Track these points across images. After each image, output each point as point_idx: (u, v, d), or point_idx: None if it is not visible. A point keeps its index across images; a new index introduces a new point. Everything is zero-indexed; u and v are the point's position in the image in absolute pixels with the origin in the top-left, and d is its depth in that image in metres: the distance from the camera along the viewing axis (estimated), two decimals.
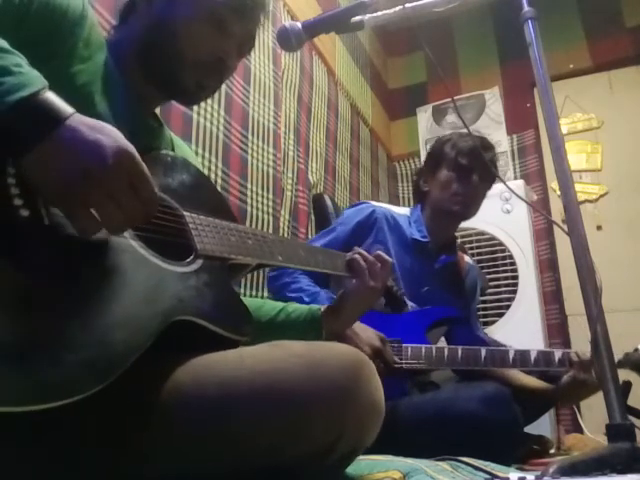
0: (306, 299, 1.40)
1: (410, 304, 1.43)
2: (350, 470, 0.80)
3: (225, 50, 0.85)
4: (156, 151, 0.85)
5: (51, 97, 0.54)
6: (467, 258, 1.83)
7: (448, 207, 1.62)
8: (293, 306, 1.08)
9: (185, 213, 0.77)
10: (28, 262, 0.53)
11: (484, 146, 1.65)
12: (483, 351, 1.43)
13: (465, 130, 1.69)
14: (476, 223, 2.71)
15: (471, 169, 1.60)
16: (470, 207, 1.65)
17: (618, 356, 1.34)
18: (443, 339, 1.70)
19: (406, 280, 1.55)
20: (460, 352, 1.42)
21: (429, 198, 1.68)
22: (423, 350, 1.39)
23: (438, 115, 3.37)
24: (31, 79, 0.53)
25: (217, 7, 0.83)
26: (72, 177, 0.53)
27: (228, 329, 0.72)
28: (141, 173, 0.58)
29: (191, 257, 0.75)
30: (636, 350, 1.42)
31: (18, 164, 0.54)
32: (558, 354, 1.44)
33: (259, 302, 1.09)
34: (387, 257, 1.08)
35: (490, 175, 1.61)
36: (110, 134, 0.56)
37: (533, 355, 1.43)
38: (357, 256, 1.07)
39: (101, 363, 0.54)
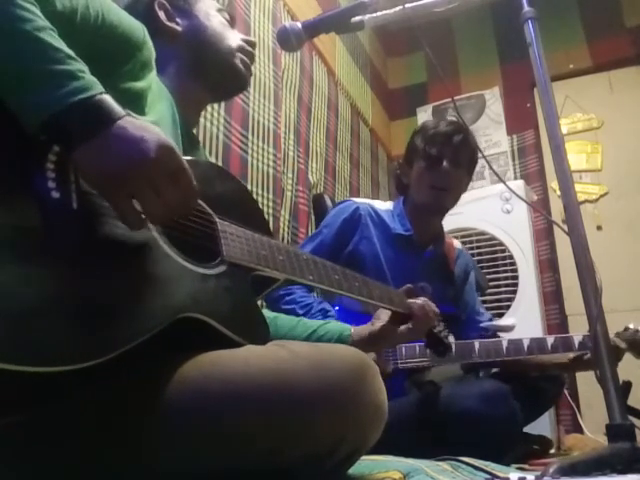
0: (299, 311, 1.40)
1: None
2: (350, 470, 0.79)
3: (240, 33, 1.04)
4: (199, 158, 0.90)
5: (107, 100, 0.61)
6: (456, 243, 1.79)
7: (423, 199, 1.60)
8: (325, 328, 1.13)
9: (218, 220, 0.79)
10: (55, 241, 0.57)
11: (455, 130, 1.58)
12: (477, 344, 1.43)
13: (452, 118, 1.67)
14: (476, 223, 2.72)
15: (440, 157, 1.56)
16: (445, 196, 1.59)
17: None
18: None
19: (394, 275, 1.53)
20: (454, 347, 1.41)
21: (409, 191, 1.66)
22: (417, 349, 1.39)
23: (438, 115, 3.36)
24: (92, 84, 0.60)
25: (221, 11, 1.04)
26: (118, 168, 0.59)
27: (238, 332, 0.72)
28: (181, 166, 0.64)
29: (216, 261, 0.76)
30: (626, 329, 1.45)
31: (62, 153, 0.60)
32: (578, 338, 1.43)
33: (294, 321, 1.15)
34: (435, 308, 1.12)
35: (463, 159, 1.57)
36: (154, 131, 0.62)
37: (550, 341, 1.43)
38: (424, 303, 1.10)
39: (107, 337, 0.57)
